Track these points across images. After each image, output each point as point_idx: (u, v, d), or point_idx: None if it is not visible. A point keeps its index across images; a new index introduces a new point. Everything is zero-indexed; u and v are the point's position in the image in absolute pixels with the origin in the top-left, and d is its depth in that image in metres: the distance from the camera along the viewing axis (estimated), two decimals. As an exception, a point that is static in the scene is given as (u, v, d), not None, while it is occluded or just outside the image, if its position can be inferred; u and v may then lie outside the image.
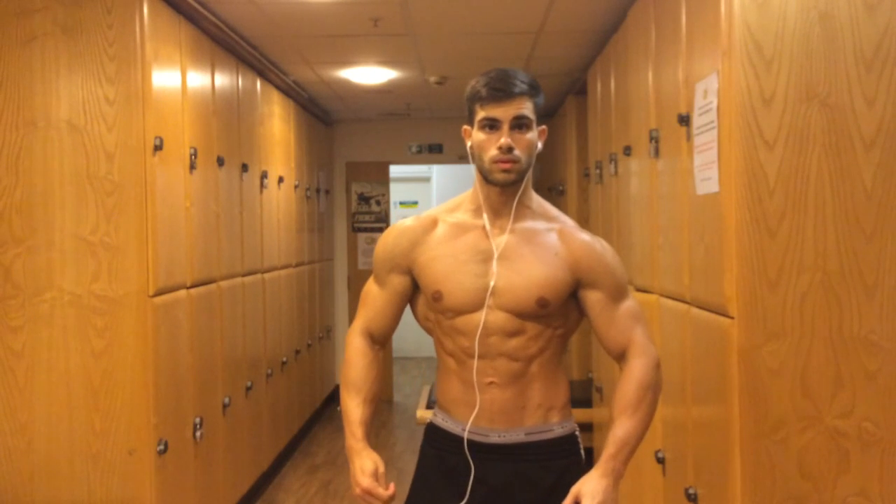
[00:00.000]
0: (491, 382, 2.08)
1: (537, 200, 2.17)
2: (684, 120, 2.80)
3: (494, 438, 2.09)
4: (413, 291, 2.19)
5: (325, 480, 5.62)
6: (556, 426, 2.13)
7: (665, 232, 3.19)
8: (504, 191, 2.08)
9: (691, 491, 2.75)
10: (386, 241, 2.19)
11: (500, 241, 2.08)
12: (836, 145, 2.30)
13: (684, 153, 2.83)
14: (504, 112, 2.02)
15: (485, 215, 2.10)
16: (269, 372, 5.31)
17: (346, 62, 5.52)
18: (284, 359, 5.76)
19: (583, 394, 5.30)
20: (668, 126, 3.07)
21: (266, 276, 5.29)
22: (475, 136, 2.07)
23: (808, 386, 2.31)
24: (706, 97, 2.55)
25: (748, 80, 2.32)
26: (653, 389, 2.09)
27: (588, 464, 2.16)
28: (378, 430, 7.05)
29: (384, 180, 8.27)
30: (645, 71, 3.46)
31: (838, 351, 2.30)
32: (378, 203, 8.25)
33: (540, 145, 2.10)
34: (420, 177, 10.57)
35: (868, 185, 2.29)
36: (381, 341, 2.24)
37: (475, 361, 2.07)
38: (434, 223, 2.16)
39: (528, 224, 2.11)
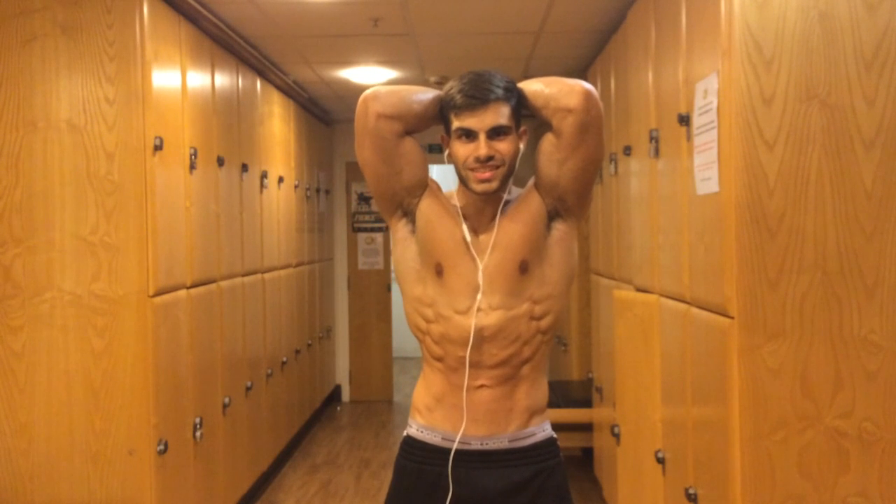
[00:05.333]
0: (481, 385, 2.04)
1: (515, 190, 2.10)
2: (684, 120, 2.80)
3: (477, 446, 2.05)
4: (404, 289, 2.12)
5: (325, 480, 5.61)
6: (538, 430, 2.10)
7: (665, 232, 3.19)
8: (487, 199, 2.02)
9: (691, 491, 2.75)
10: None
11: (484, 257, 2.01)
12: (836, 145, 2.30)
13: (684, 153, 2.83)
14: (479, 122, 1.95)
15: (465, 230, 2.03)
16: (269, 372, 5.31)
17: (346, 62, 5.52)
18: (284, 359, 5.76)
19: (583, 394, 5.30)
20: (668, 126, 3.07)
21: (266, 276, 5.29)
22: (452, 146, 2.00)
23: (808, 386, 2.31)
24: (706, 97, 2.55)
25: (748, 80, 2.32)
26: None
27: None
28: (378, 431, 7.04)
29: (384, 180, 8.24)
30: (645, 71, 3.46)
31: (838, 351, 2.30)
32: (378, 203, 8.24)
33: (522, 146, 2.02)
34: (420, 177, 10.55)
35: (868, 185, 2.29)
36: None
37: (467, 370, 2.01)
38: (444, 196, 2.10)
39: (508, 217, 2.04)
